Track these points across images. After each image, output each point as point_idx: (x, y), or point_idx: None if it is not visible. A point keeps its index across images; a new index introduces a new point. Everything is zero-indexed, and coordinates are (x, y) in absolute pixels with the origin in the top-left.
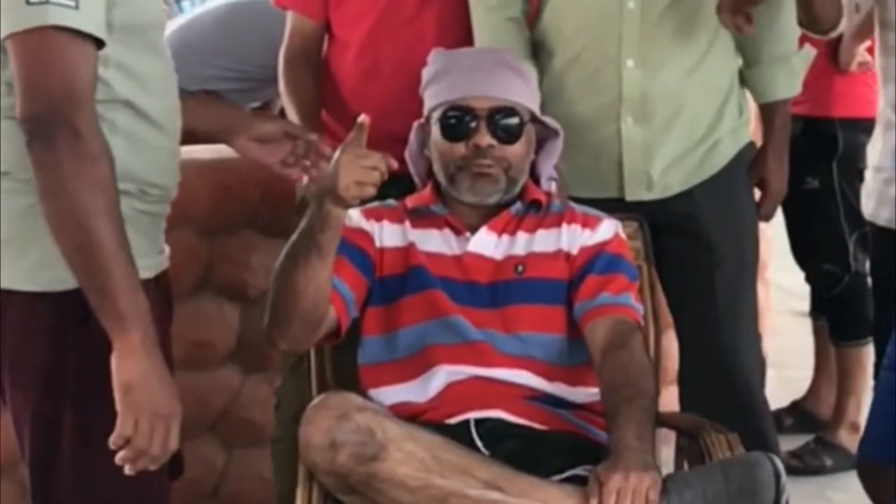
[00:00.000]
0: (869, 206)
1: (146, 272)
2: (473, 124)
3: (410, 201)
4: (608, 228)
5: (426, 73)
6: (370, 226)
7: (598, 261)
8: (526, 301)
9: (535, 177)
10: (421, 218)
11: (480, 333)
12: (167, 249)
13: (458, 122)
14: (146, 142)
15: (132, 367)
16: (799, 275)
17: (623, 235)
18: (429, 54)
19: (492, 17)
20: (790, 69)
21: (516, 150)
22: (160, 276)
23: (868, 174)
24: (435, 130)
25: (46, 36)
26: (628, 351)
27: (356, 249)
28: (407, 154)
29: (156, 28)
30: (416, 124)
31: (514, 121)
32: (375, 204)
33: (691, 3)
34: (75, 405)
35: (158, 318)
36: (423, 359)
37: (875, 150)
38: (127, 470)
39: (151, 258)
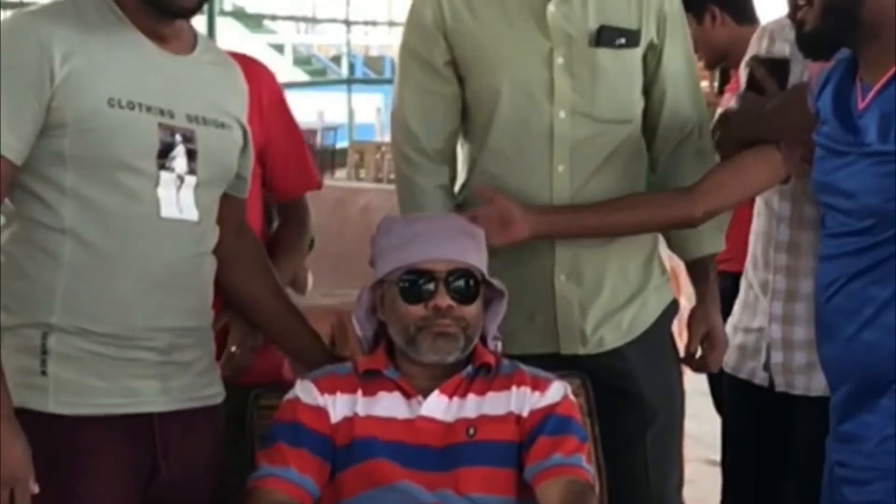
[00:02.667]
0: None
1: (94, 409)
2: (432, 286)
3: (362, 364)
4: (557, 390)
5: (378, 241)
6: (324, 401)
7: (549, 422)
8: (477, 463)
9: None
10: (371, 382)
11: (432, 496)
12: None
13: (417, 284)
14: (94, 279)
15: None
16: (706, 423)
17: (572, 397)
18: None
19: (421, 184)
20: (714, 225)
21: (472, 310)
22: (142, 417)
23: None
24: (392, 293)
25: None
26: None
27: (314, 435)
28: (354, 317)
29: (122, 167)
30: (365, 288)
31: (471, 282)
32: (328, 370)
33: (617, 166)
34: None
35: (129, 454)
36: None
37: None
38: None
39: (105, 398)
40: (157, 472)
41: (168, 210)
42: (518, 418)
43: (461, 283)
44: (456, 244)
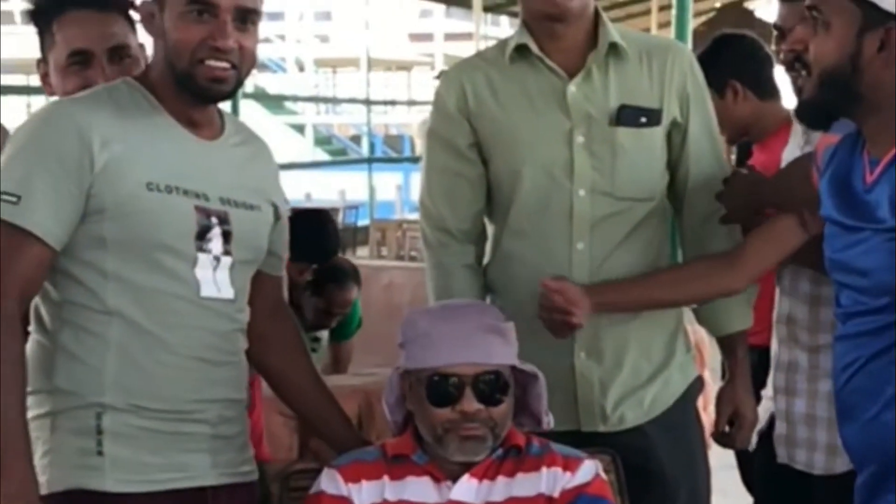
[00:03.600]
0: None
1: (150, 486)
2: (459, 390)
3: (391, 449)
4: (589, 469)
5: (405, 332)
6: (348, 490)
7: (580, 502)
8: None
9: (517, 420)
10: (400, 466)
11: None
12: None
13: (444, 388)
14: (142, 357)
15: None
16: (734, 497)
17: (604, 476)
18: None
19: (448, 264)
20: (743, 302)
21: (501, 410)
22: (195, 491)
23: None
24: (420, 392)
25: None
26: None
27: None
28: (385, 402)
29: (163, 249)
30: (395, 373)
31: (499, 383)
32: (353, 456)
33: (639, 243)
34: None
35: None
36: None
37: None
38: None
39: (160, 473)
40: None
41: (207, 290)
42: (549, 500)
43: (489, 386)
44: (484, 345)
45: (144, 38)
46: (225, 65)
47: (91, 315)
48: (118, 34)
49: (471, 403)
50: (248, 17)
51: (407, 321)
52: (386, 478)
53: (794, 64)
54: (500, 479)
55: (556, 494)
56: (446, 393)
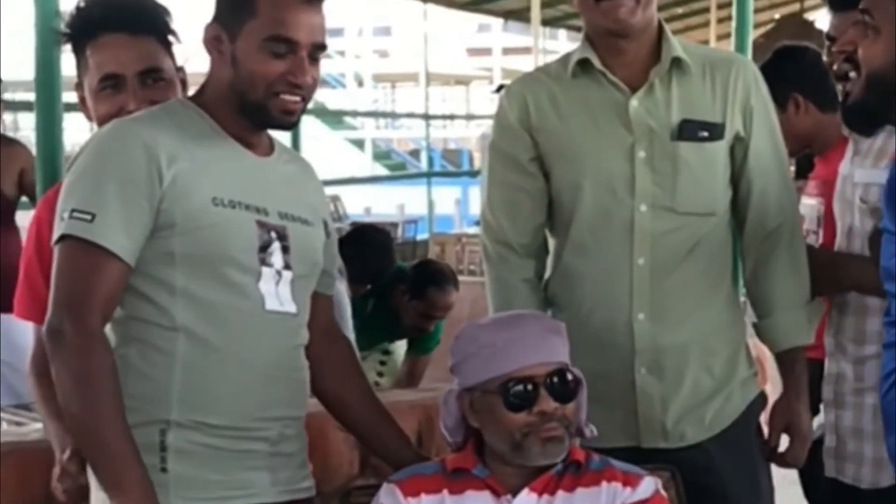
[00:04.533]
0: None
1: (212, 503)
2: (535, 392)
3: (451, 463)
4: (649, 486)
5: (462, 348)
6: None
7: None
8: None
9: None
10: (459, 481)
11: None
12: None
13: (519, 392)
14: (208, 373)
15: None
16: None
17: (663, 492)
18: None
19: (508, 278)
20: (804, 317)
21: (573, 407)
22: None
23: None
24: (491, 402)
25: (66, 247)
26: None
27: None
28: (443, 425)
29: (230, 263)
30: (451, 394)
31: (570, 379)
32: (412, 471)
33: (701, 259)
34: None
35: None
36: None
37: None
38: None
39: (222, 491)
40: None
41: (271, 303)
42: None
43: (561, 383)
44: (548, 345)
45: (182, 58)
46: (298, 98)
47: (158, 331)
48: (150, 57)
49: (548, 403)
50: (319, 52)
51: (463, 339)
52: (445, 492)
53: (847, 74)
54: (560, 493)
55: None
56: (523, 396)
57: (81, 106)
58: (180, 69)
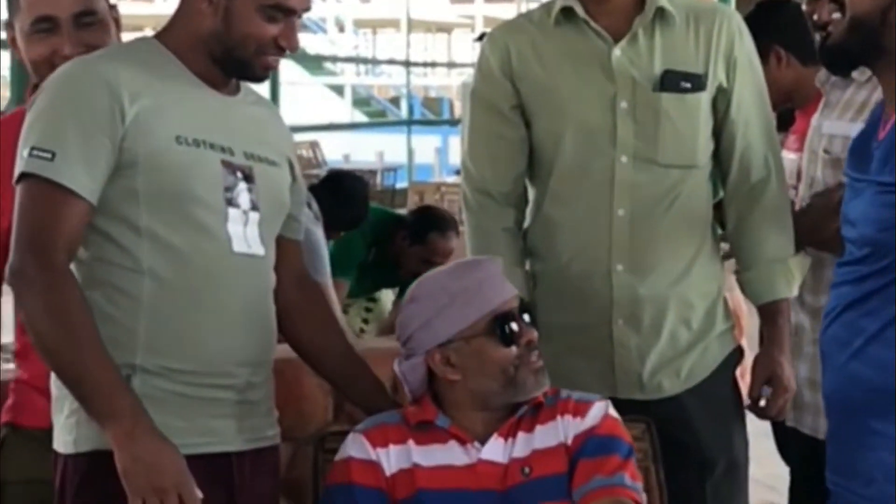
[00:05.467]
0: None
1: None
2: (518, 325)
3: (413, 416)
4: (597, 412)
5: (429, 306)
6: (377, 454)
7: (588, 445)
8: (538, 500)
9: None
10: (424, 433)
11: None
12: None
13: (509, 324)
14: (175, 317)
15: (123, 455)
16: (767, 466)
17: (615, 414)
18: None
19: (487, 227)
20: (787, 270)
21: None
22: (220, 456)
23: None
24: (477, 344)
25: (27, 186)
26: None
27: (369, 491)
28: (408, 390)
29: (195, 202)
30: (414, 362)
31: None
32: (378, 420)
33: (681, 211)
34: None
35: (206, 494)
36: None
37: None
38: None
39: (187, 437)
40: None
41: (239, 245)
42: (567, 448)
43: (528, 313)
44: (507, 279)
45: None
46: (280, 57)
47: (123, 273)
48: None
49: (531, 332)
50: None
51: (425, 297)
52: (411, 442)
53: (826, 25)
54: (520, 435)
55: (569, 441)
56: (512, 329)
57: (12, 46)
58: (113, 7)
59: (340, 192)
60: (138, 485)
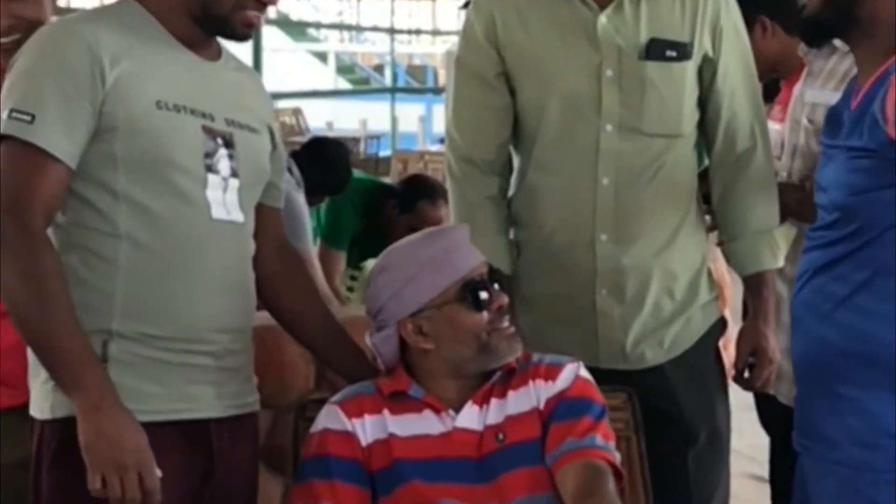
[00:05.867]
0: None
1: (153, 416)
2: (486, 290)
3: (386, 387)
4: (568, 374)
5: (397, 276)
6: (352, 425)
7: (560, 407)
8: (513, 467)
9: None
10: (398, 403)
11: None
12: (207, 397)
13: (476, 292)
14: (153, 283)
15: (86, 428)
16: (750, 437)
17: (586, 375)
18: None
19: (471, 195)
20: (772, 241)
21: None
22: (198, 423)
23: None
24: (449, 311)
25: (6, 148)
26: (599, 499)
27: (345, 462)
28: (381, 362)
29: (174, 168)
30: (386, 333)
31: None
32: (353, 390)
33: (666, 180)
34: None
35: (184, 460)
36: None
37: None
38: None
39: (164, 404)
40: (209, 477)
41: (218, 212)
42: (539, 412)
43: (496, 280)
44: (473, 245)
45: None
46: (260, 13)
47: (101, 238)
48: None
49: (502, 297)
50: None
51: (394, 267)
52: (386, 412)
53: None
54: (493, 401)
55: (541, 406)
56: (483, 294)
57: None
58: None
59: (322, 158)
60: (99, 459)
